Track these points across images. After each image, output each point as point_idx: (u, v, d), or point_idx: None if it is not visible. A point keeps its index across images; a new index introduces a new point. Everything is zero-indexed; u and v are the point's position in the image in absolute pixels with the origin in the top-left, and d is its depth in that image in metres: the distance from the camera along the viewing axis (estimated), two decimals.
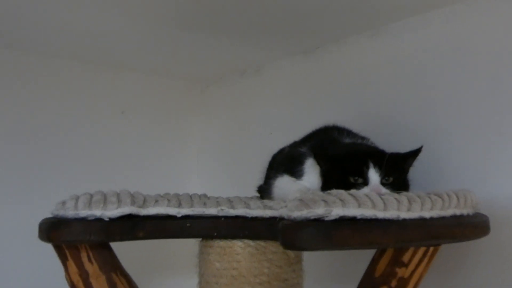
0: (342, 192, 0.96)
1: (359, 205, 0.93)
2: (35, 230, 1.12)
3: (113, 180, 1.75)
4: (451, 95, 1.41)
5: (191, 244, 1.30)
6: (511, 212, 1.27)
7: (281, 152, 1.52)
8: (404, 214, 0.96)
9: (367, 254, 1.14)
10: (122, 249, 1.24)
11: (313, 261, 1.36)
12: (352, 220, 0.91)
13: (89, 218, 1.08)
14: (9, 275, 1.76)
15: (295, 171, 1.31)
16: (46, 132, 1.90)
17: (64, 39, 1.75)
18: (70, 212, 1.09)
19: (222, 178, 2.21)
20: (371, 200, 0.94)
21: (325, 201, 0.91)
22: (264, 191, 1.46)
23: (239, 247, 1.18)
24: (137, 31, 1.67)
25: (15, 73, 1.85)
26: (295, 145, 1.44)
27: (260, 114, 2.06)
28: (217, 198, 1.31)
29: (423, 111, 1.47)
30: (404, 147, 1.24)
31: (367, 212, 0.92)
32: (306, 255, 1.28)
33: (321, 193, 0.98)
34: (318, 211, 0.90)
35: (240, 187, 1.74)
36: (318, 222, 0.90)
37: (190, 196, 1.27)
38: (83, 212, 1.08)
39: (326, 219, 0.90)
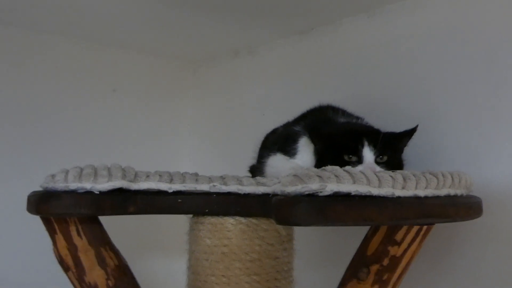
0: (337, 168, 0.95)
1: (354, 181, 0.92)
2: (24, 205, 1.10)
3: (103, 159, 1.72)
4: (447, 77, 1.40)
5: (182, 221, 1.29)
6: (503, 195, 1.27)
7: (274, 132, 1.51)
8: (398, 192, 0.95)
9: (358, 235, 1.13)
10: (112, 224, 1.23)
11: (305, 240, 1.35)
12: (347, 196, 0.91)
13: (79, 191, 1.06)
14: None
15: (288, 149, 1.30)
16: (37, 108, 1.88)
17: (56, 15, 1.72)
18: (59, 184, 1.07)
19: (213, 159, 2.20)
20: (366, 176, 0.93)
21: (319, 176, 0.90)
22: (257, 170, 1.44)
23: (231, 224, 1.17)
24: (130, 9, 1.64)
25: (5, 49, 1.82)
26: (288, 124, 1.43)
27: (253, 95, 2.05)
28: (209, 176, 1.30)
29: (419, 92, 1.46)
30: (399, 128, 1.24)
31: (361, 188, 0.91)
32: (298, 234, 1.27)
33: (315, 169, 0.97)
34: (312, 186, 0.89)
35: (231, 168, 1.73)
36: (312, 197, 0.89)
37: (182, 174, 1.26)
38: (73, 185, 1.06)
39: (321, 194, 0.89)
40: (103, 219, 1.19)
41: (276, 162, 1.32)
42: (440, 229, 1.23)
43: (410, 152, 1.26)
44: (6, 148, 1.81)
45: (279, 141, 1.37)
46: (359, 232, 1.13)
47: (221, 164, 2.13)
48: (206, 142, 2.25)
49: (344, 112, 1.37)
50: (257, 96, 2.03)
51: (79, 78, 1.99)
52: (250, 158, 1.56)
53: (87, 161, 1.22)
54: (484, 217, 1.13)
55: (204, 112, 2.27)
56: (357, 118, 1.36)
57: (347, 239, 1.34)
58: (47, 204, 1.06)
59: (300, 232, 1.27)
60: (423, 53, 1.47)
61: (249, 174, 1.55)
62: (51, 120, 1.90)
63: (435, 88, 1.42)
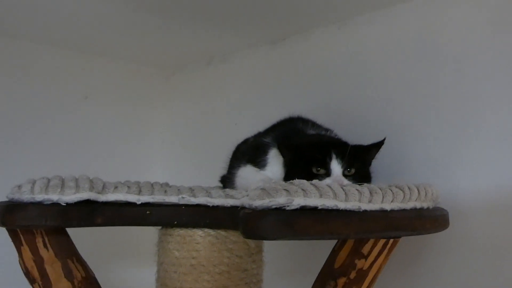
0: (304, 182, 0.95)
1: (321, 195, 0.92)
2: None
3: (74, 167, 1.70)
4: (415, 89, 1.42)
5: (150, 232, 1.28)
6: (471, 207, 1.29)
7: (245, 142, 1.51)
8: (365, 206, 0.96)
9: (327, 247, 1.14)
10: (80, 235, 1.22)
11: (274, 252, 1.35)
12: (314, 210, 0.91)
13: (46, 203, 1.05)
14: None
15: (258, 161, 1.30)
16: (4, 115, 1.84)
17: (27, 20, 1.70)
18: (26, 196, 1.05)
19: (185, 167, 2.19)
20: (333, 190, 0.94)
21: (287, 190, 0.91)
22: (227, 181, 1.44)
23: (199, 236, 1.17)
24: (103, 15, 1.63)
25: None
26: (259, 135, 1.43)
27: (225, 103, 2.05)
28: (178, 187, 1.30)
29: (388, 104, 1.48)
30: (368, 140, 1.25)
31: (328, 202, 0.92)
32: (267, 246, 1.28)
33: (283, 182, 0.98)
34: (279, 200, 0.89)
35: (203, 176, 1.73)
36: (279, 211, 0.89)
37: (151, 184, 1.25)
38: (39, 196, 1.05)
39: (288, 208, 0.89)
40: (70, 229, 1.17)
41: (246, 174, 1.32)
42: (408, 241, 1.25)
43: (378, 164, 1.27)
44: None
45: (249, 152, 1.37)
46: (328, 245, 1.14)
47: (194, 173, 2.12)
48: (178, 150, 2.24)
49: (313, 124, 1.38)
50: (230, 104, 2.03)
51: (50, 85, 1.97)
52: (222, 166, 1.56)
53: (57, 170, 1.21)
54: (451, 228, 1.14)
55: (176, 120, 2.26)
56: (327, 130, 1.37)
57: (316, 251, 1.34)
58: (13, 216, 1.05)
59: (269, 244, 1.27)
60: (392, 65, 1.48)
61: (220, 185, 1.55)
62: (19, 128, 1.87)
63: (403, 100, 1.44)
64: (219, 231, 1.17)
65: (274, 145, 1.27)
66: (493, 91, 1.28)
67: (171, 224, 1.18)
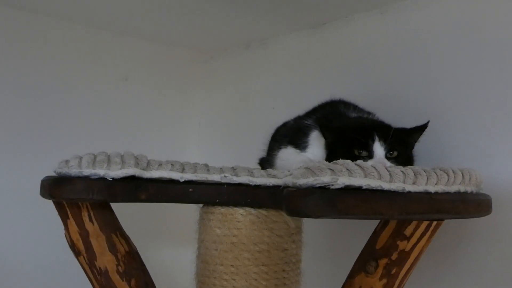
0: (348, 162, 0.96)
1: (365, 175, 0.92)
2: (37, 189, 1.12)
3: (113, 146, 1.73)
4: (458, 73, 1.41)
5: (191, 210, 1.30)
6: None
7: (285, 125, 1.52)
8: (409, 187, 0.96)
9: (366, 229, 1.14)
10: (123, 212, 1.24)
11: (313, 233, 1.36)
12: (358, 189, 0.91)
13: (92, 177, 1.08)
14: (10, 232, 1.77)
15: (299, 142, 1.31)
16: (51, 94, 1.88)
17: (70, 1, 1.73)
18: (73, 170, 1.08)
19: (222, 150, 2.21)
20: (377, 171, 0.94)
21: (331, 169, 0.91)
22: (267, 163, 1.45)
23: (240, 214, 1.18)
24: None
25: (20, 35, 1.83)
26: (300, 118, 1.44)
27: (263, 88, 2.05)
28: (220, 166, 1.31)
29: (430, 88, 1.47)
30: (409, 125, 1.25)
31: (373, 182, 0.92)
32: (307, 227, 1.28)
33: (327, 162, 0.98)
34: (324, 179, 0.89)
35: (240, 160, 1.74)
36: (323, 190, 0.89)
37: (194, 164, 1.27)
38: (87, 171, 1.07)
39: (332, 187, 0.90)
40: (114, 206, 1.20)
41: (287, 155, 1.33)
42: (450, 225, 1.24)
43: (419, 148, 1.26)
44: (21, 134, 1.82)
45: (290, 134, 1.38)
46: (367, 227, 1.14)
47: (230, 156, 2.13)
48: (215, 133, 2.26)
49: (355, 107, 1.38)
50: (268, 89, 2.03)
51: (92, 66, 2.00)
52: (259, 150, 1.57)
53: (97, 148, 1.23)
54: (493, 215, 1.13)
55: (214, 103, 2.28)
56: (368, 113, 1.37)
57: (355, 233, 1.35)
58: (61, 189, 1.07)
59: (309, 225, 1.28)
60: (435, 50, 1.47)
61: (259, 167, 1.56)
62: (65, 107, 1.91)
63: (446, 85, 1.43)
64: (260, 210, 1.18)
65: (316, 127, 1.28)
66: None
67: (213, 202, 1.19)
